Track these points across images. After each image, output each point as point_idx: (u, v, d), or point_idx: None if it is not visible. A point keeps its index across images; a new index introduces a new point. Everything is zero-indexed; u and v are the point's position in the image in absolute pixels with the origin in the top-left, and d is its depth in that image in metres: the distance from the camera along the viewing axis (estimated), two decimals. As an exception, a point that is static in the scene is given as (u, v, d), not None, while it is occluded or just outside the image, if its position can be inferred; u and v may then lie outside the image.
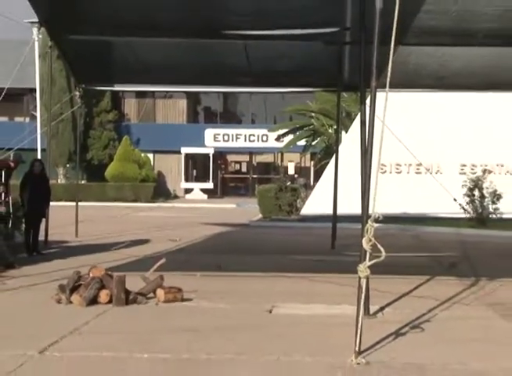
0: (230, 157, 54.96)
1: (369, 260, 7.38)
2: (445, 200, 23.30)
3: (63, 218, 17.95)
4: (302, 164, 50.97)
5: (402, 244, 17.11)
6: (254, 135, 49.83)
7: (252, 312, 9.50)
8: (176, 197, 48.06)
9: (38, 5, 13.71)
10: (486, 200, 24.89)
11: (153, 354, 7.36)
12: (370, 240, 7.37)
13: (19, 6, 14.22)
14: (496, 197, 24.76)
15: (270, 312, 9.58)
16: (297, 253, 16.26)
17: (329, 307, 9.67)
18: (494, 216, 24.69)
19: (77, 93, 21.07)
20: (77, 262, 12.85)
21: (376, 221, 7.42)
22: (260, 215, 29.35)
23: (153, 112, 51.68)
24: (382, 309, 9.44)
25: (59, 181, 42.06)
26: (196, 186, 49.02)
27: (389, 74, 7.43)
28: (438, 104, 26.94)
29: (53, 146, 40.16)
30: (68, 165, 43.86)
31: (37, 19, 16.12)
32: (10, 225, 15.68)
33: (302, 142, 40.42)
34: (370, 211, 7.58)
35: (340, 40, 14.91)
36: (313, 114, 38.63)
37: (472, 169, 27.87)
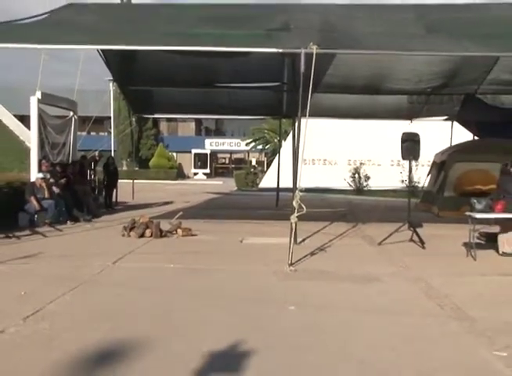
0: (219, 155, 54.64)
1: (297, 213, 7.41)
2: (339, 180, 23.57)
3: (125, 189, 17.72)
4: (260, 159, 50.81)
5: (314, 204, 17.09)
6: (233, 142, 49.57)
7: (231, 242, 9.49)
8: (188, 177, 47.69)
9: (113, 71, 14.19)
10: (361, 180, 25.14)
11: (176, 265, 7.35)
12: (298, 202, 7.39)
13: (103, 70, 14.37)
14: (367, 178, 25.09)
15: (241, 242, 9.58)
16: (256, 209, 16.25)
17: (274, 239, 9.68)
18: (366, 188, 24.92)
19: (133, 119, 20.90)
20: (133, 214, 12.70)
21: (301, 191, 7.47)
22: (236, 188, 29.30)
23: (176, 129, 51.23)
24: (304, 240, 9.47)
25: (123, 168, 41.40)
26: (200, 172, 48.62)
27: (308, 108, 7.42)
28: (336, 125, 26.86)
29: (120, 148, 39.79)
30: (128, 159, 43.17)
31: (112, 78, 16.16)
32: (96, 192, 15.59)
33: (260, 147, 40.39)
34: (298, 185, 7.60)
35: (281, 89, 14.87)
36: (266, 131, 38.56)
37: (354, 162, 27.88)
